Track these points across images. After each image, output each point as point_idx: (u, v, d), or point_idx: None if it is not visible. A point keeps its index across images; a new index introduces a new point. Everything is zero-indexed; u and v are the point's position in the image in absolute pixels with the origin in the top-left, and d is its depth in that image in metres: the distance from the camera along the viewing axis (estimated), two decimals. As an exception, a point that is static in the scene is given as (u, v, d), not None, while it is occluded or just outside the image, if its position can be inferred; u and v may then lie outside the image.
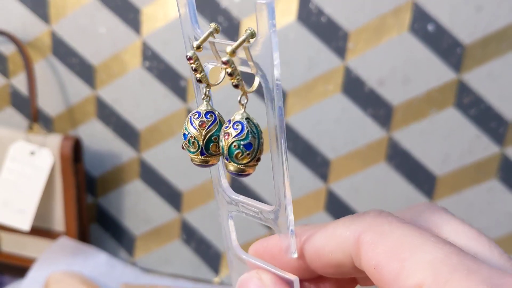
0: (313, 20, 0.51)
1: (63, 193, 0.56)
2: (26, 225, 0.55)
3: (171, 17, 0.54)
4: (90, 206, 0.63)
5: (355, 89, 0.52)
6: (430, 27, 0.49)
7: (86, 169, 0.61)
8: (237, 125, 0.19)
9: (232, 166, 0.19)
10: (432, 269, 0.16)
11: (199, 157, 0.20)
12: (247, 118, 0.19)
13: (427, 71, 0.50)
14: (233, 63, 0.18)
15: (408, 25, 0.50)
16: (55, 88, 0.60)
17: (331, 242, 0.19)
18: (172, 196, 0.60)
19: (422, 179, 0.54)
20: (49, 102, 0.61)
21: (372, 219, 0.19)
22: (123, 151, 0.60)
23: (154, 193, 0.61)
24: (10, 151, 0.55)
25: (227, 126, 0.19)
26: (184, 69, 0.56)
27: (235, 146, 0.18)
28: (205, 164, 0.20)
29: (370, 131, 0.53)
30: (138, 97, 0.58)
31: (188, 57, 0.19)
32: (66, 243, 0.56)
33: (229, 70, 0.18)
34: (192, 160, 0.20)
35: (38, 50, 0.59)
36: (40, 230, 0.58)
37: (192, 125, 0.20)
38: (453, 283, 0.15)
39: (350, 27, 0.51)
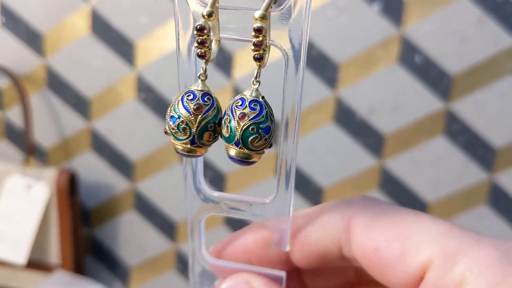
0: (304, 52, 0.52)
1: (59, 226, 0.56)
2: (21, 259, 0.55)
3: (165, 50, 0.55)
4: (84, 238, 0.63)
5: (346, 118, 0.53)
6: (417, 59, 0.51)
7: (81, 200, 0.61)
8: (254, 105, 0.16)
9: (236, 151, 0.16)
10: (439, 244, 0.15)
11: (188, 146, 0.17)
12: (263, 97, 0.16)
13: (416, 101, 0.52)
14: (265, 31, 0.15)
15: (396, 57, 0.51)
16: (50, 121, 0.60)
17: (318, 230, 0.18)
18: (167, 226, 0.60)
19: (412, 206, 0.54)
20: (43, 134, 0.61)
21: (360, 203, 0.18)
22: (118, 182, 0.61)
23: (149, 224, 0.61)
24: (6, 185, 0.55)
25: (241, 105, 0.16)
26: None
27: (252, 129, 0.16)
28: (190, 154, 0.17)
29: (362, 159, 0.54)
30: (133, 129, 0.59)
31: (198, 27, 0.15)
32: (61, 276, 0.56)
33: (258, 39, 0.15)
34: (175, 147, 0.17)
35: (33, 83, 0.60)
36: (36, 263, 0.58)
37: (184, 107, 0.16)
38: (464, 255, 0.15)
39: (340, 59, 0.52)
